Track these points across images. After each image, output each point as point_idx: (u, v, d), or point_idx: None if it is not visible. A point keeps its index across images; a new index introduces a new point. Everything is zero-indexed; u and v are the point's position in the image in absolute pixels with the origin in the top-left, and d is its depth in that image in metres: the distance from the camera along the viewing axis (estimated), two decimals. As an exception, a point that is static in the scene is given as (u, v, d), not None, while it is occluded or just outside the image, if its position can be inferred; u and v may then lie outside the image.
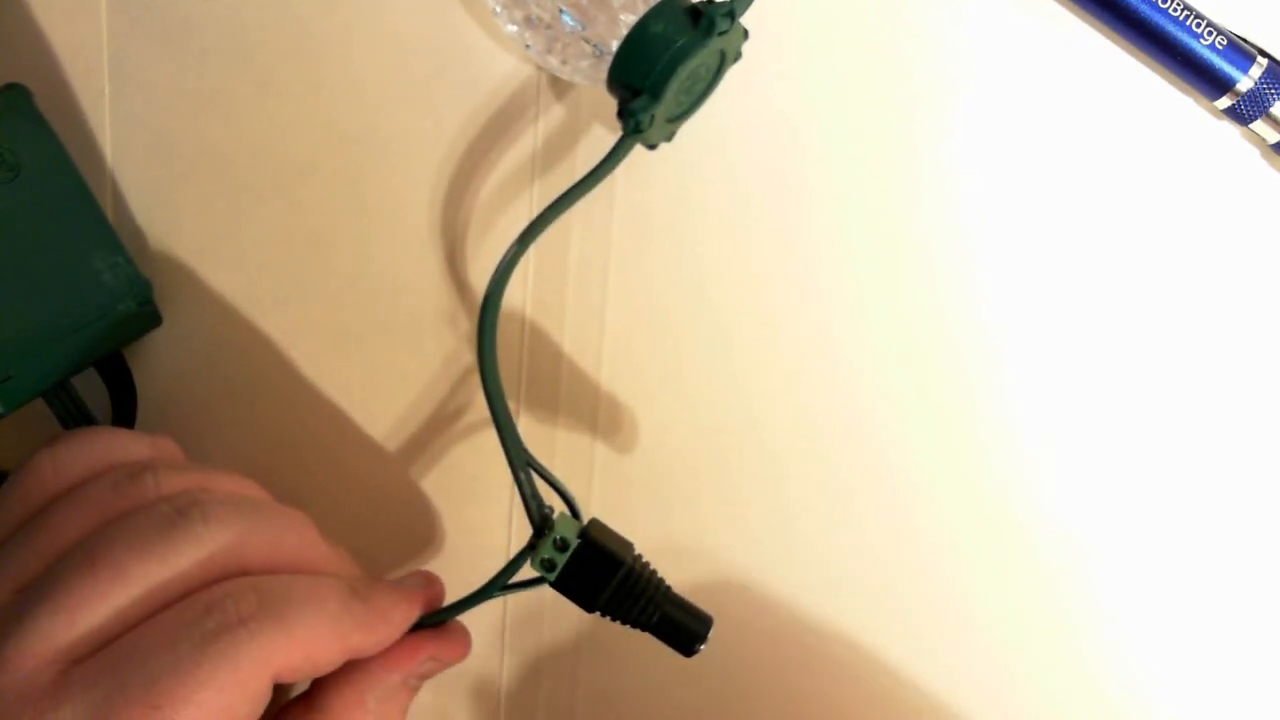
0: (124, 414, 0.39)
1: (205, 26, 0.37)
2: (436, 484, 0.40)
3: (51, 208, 0.35)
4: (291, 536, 0.32)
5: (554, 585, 0.32)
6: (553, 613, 0.40)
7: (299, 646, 0.29)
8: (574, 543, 0.32)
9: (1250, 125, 0.35)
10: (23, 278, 0.34)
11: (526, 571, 0.32)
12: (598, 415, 0.39)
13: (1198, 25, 0.34)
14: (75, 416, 0.36)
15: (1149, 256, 0.37)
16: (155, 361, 0.39)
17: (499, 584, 0.32)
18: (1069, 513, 0.39)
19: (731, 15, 0.32)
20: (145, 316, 0.37)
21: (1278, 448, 0.38)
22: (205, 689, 0.27)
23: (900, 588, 0.40)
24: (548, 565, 0.32)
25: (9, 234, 0.34)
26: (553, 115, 0.37)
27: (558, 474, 0.33)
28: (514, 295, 0.38)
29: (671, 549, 0.39)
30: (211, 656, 0.27)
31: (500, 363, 0.33)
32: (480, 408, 0.39)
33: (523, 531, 0.39)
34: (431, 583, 0.34)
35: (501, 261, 0.32)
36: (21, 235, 0.34)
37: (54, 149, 0.35)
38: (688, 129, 0.36)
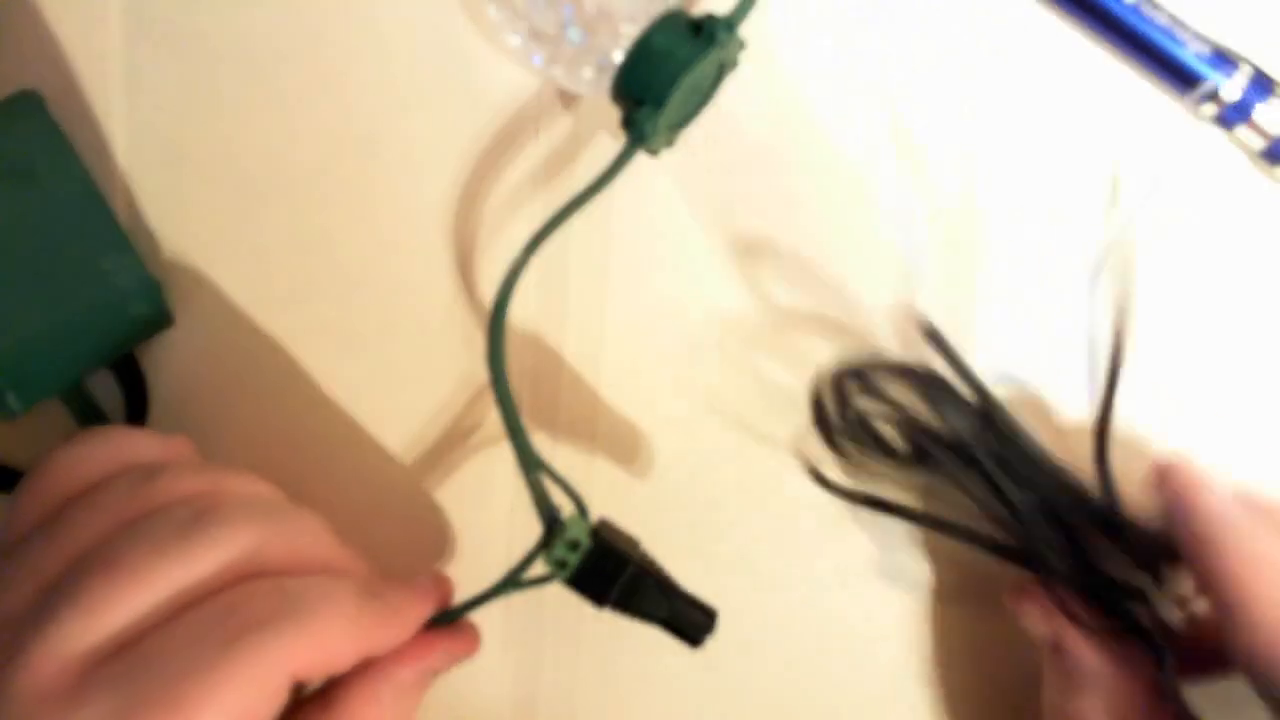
0: (136, 413, 0.39)
1: (216, 35, 0.37)
2: (440, 485, 0.40)
3: (64, 212, 0.35)
4: (307, 538, 0.32)
5: (566, 583, 0.33)
6: (553, 612, 0.41)
7: (318, 646, 0.29)
8: (586, 542, 0.32)
9: (1234, 131, 0.36)
10: (37, 281, 0.34)
11: (536, 568, 0.33)
12: (597, 417, 0.40)
13: (1182, 34, 0.35)
14: (89, 416, 0.37)
15: (1136, 263, 0.38)
16: (167, 362, 0.39)
17: (511, 581, 0.33)
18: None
19: (730, 27, 0.33)
20: (157, 318, 0.37)
21: (1274, 445, 0.39)
22: (227, 690, 0.27)
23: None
24: (560, 564, 0.32)
25: (23, 238, 0.34)
26: (556, 126, 0.38)
27: (561, 474, 0.34)
28: (516, 301, 0.38)
29: (672, 548, 0.40)
30: (232, 658, 0.27)
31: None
32: (482, 411, 0.40)
33: (523, 532, 0.40)
34: (441, 582, 0.35)
35: (510, 268, 0.33)
36: (35, 239, 0.34)
37: (67, 155, 0.35)
38: (687, 134, 0.36)
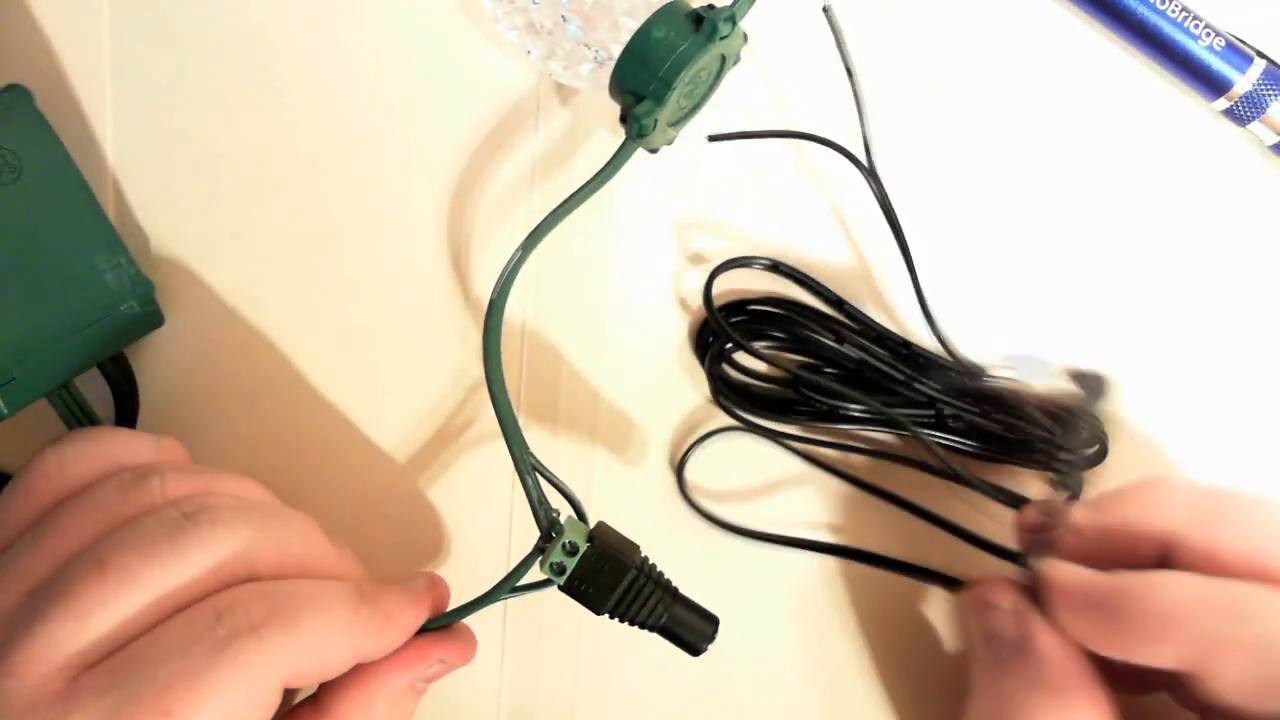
0: (126, 414, 0.38)
1: (207, 27, 0.37)
2: (437, 485, 0.40)
3: (53, 209, 0.35)
4: (299, 540, 0.32)
5: (563, 589, 0.32)
6: (553, 613, 0.40)
7: (309, 652, 0.29)
8: (583, 547, 0.32)
9: (1248, 126, 0.35)
10: (25, 279, 0.34)
11: (532, 573, 0.33)
12: (597, 418, 0.39)
13: (1195, 26, 0.34)
14: (79, 417, 0.36)
15: (1146, 258, 0.38)
16: (157, 361, 0.39)
17: (507, 586, 0.32)
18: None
19: (732, 20, 0.32)
20: (148, 316, 0.37)
21: (1274, 443, 0.39)
22: (217, 695, 0.27)
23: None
24: (557, 569, 0.32)
25: (11, 236, 0.34)
26: (554, 121, 0.37)
27: (558, 477, 0.33)
28: (513, 299, 0.38)
29: (673, 550, 0.39)
30: (223, 663, 0.27)
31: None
32: (481, 410, 0.39)
33: (523, 535, 0.39)
34: (436, 585, 0.35)
35: (506, 266, 0.32)
36: (24, 237, 0.34)
37: (56, 150, 0.35)
38: (687, 131, 0.36)
